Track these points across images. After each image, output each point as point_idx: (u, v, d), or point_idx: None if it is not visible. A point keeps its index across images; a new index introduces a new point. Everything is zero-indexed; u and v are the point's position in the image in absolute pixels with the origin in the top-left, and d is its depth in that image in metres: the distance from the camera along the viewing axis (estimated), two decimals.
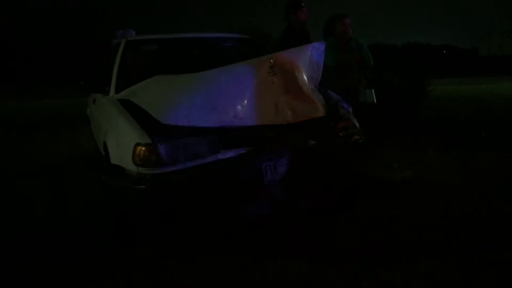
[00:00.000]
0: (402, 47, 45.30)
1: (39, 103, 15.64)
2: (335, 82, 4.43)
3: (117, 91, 3.57)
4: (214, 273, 2.65)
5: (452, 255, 2.78)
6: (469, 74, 25.27)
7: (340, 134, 3.31)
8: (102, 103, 3.78)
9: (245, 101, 2.95)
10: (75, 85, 4.18)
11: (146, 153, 2.67)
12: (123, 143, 2.86)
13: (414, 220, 3.35)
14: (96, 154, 4.30)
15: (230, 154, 2.81)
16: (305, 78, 3.42)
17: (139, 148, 2.69)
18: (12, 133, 8.44)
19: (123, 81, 3.64)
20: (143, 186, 2.66)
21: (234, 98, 2.94)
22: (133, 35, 4.40)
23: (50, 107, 14.03)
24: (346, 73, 4.52)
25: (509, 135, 6.19)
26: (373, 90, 4.50)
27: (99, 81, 4.03)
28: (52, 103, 15.24)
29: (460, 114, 8.44)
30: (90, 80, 4.05)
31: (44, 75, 33.04)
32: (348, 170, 2.89)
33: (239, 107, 2.92)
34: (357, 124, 3.42)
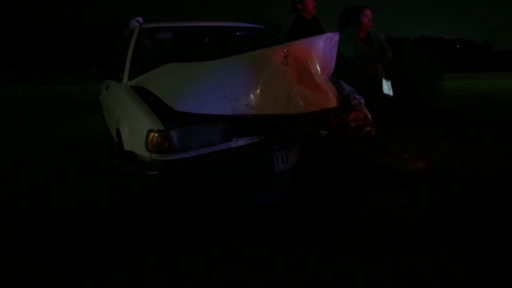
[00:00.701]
0: (415, 41, 44.76)
1: (50, 88, 15.74)
2: (358, 73, 4.44)
3: (131, 78, 3.59)
4: (222, 257, 2.70)
5: (461, 244, 2.80)
6: (483, 69, 24.95)
7: (352, 125, 3.30)
8: (115, 89, 3.81)
9: (258, 90, 2.94)
10: (87, 71, 4.23)
11: (159, 140, 2.69)
12: (136, 129, 2.88)
13: (423, 210, 3.38)
14: (108, 140, 4.35)
15: (242, 142, 2.82)
16: (318, 68, 3.41)
17: (152, 134, 2.71)
18: (27, 118, 8.53)
19: (136, 68, 3.65)
20: (156, 172, 2.68)
21: (246, 87, 2.93)
22: (140, 22, 4.40)
23: (62, 93, 14.11)
24: (368, 64, 4.52)
25: None
26: (390, 82, 4.52)
27: (112, 68, 4.05)
28: (63, 89, 15.32)
29: (473, 108, 8.37)
30: (104, 66, 4.07)
31: (55, 61, 33.17)
32: (359, 161, 2.89)
33: (251, 96, 2.91)
34: (369, 116, 3.41)
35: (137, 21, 4.67)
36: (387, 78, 4.52)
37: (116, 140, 3.38)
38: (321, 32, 4.55)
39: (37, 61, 33.72)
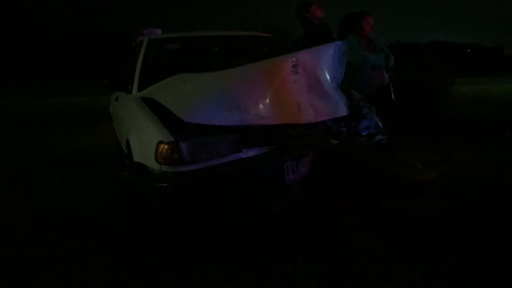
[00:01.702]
0: (425, 46, 44.56)
1: (60, 99, 15.89)
2: (368, 80, 4.42)
3: (140, 89, 3.59)
4: (232, 269, 2.67)
5: (475, 255, 2.74)
6: (494, 73, 24.75)
7: (363, 134, 3.27)
8: (125, 101, 3.82)
9: (267, 100, 2.93)
10: (96, 82, 4.25)
11: (169, 151, 2.68)
12: (145, 141, 2.87)
13: (436, 219, 3.32)
14: (118, 151, 4.35)
15: (252, 153, 2.79)
16: (328, 77, 3.40)
17: (161, 146, 2.70)
18: (35, 129, 8.61)
19: (146, 79, 3.65)
20: (165, 184, 2.66)
21: (256, 96, 2.92)
22: (158, 33, 4.43)
23: (71, 104, 14.24)
24: (376, 71, 4.50)
25: None
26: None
27: (122, 79, 4.07)
28: (73, 99, 15.46)
29: (485, 114, 8.28)
30: (113, 77, 4.09)
31: (64, 71, 33.50)
32: (370, 170, 2.85)
33: (261, 105, 2.90)
34: (380, 124, 3.38)
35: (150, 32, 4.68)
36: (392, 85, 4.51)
37: (126, 151, 3.37)
38: (331, 40, 4.53)
39: (48, 71, 34.08)
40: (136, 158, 2.98)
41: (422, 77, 6.84)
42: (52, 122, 9.59)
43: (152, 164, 2.76)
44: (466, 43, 49.37)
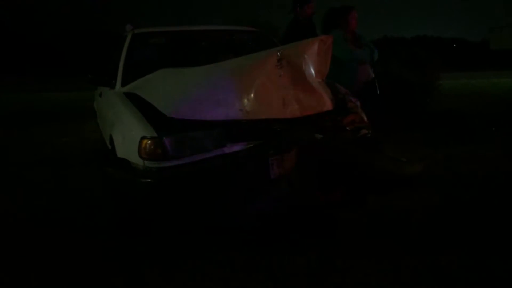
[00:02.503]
0: (412, 40, 44.81)
1: (46, 95, 15.68)
2: (354, 75, 4.43)
3: (123, 84, 3.55)
4: (219, 264, 2.65)
5: (461, 248, 2.75)
6: (480, 68, 24.95)
7: (348, 128, 3.27)
8: (109, 96, 3.78)
9: (252, 95, 2.91)
10: (81, 77, 4.19)
11: (152, 147, 2.66)
12: (129, 137, 2.85)
13: (423, 212, 3.33)
14: (102, 147, 4.31)
15: (236, 148, 2.78)
16: (313, 71, 3.38)
17: (144, 141, 2.67)
18: (22, 125, 8.48)
19: (129, 75, 3.62)
20: (149, 180, 2.64)
21: (240, 91, 2.90)
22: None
23: (58, 100, 14.06)
24: (362, 66, 4.52)
25: None
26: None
27: (106, 74, 4.02)
28: (59, 95, 15.26)
29: (470, 108, 8.35)
30: (97, 73, 4.04)
31: (52, 67, 32.99)
32: (356, 164, 2.85)
33: (245, 100, 2.88)
34: (365, 118, 3.38)
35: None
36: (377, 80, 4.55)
37: (110, 147, 3.34)
38: (315, 35, 4.53)
39: (34, 68, 33.54)
40: (120, 153, 2.95)
41: (408, 71, 6.86)
42: (38, 119, 9.45)
43: (135, 159, 2.74)
44: (452, 38, 49.77)
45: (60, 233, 3.20)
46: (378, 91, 4.58)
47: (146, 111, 2.90)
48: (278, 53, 3.05)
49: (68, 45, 36.81)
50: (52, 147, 6.33)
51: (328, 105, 3.32)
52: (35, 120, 9.27)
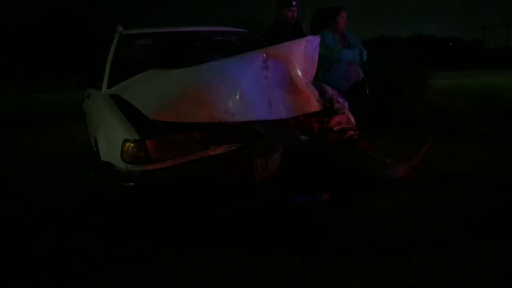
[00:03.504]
0: (407, 40, 44.82)
1: (38, 97, 15.58)
2: (344, 75, 4.42)
3: (110, 86, 3.52)
4: (202, 268, 2.63)
5: (446, 251, 2.75)
6: (474, 67, 25.00)
7: (335, 129, 3.25)
8: (95, 98, 3.75)
9: (237, 96, 2.89)
10: (69, 79, 4.15)
11: (135, 150, 2.63)
12: (112, 140, 2.82)
13: (409, 214, 3.33)
14: (90, 149, 4.27)
15: (220, 150, 2.76)
16: (300, 72, 3.36)
17: (127, 144, 2.64)
18: (10, 127, 8.42)
19: (116, 76, 3.58)
20: (131, 184, 2.61)
21: (225, 93, 2.88)
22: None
23: (48, 101, 13.97)
24: (351, 66, 4.51)
25: (509, 129, 6.13)
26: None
27: (92, 76, 3.98)
28: (50, 97, 15.14)
29: (462, 107, 8.36)
30: (84, 75, 4.00)
31: (44, 69, 32.71)
32: (340, 166, 2.84)
33: (230, 102, 2.86)
34: (352, 119, 3.36)
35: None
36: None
37: (95, 150, 3.31)
38: (302, 35, 4.52)
39: (26, 69, 33.27)
40: (103, 157, 2.92)
41: (399, 71, 6.85)
42: (28, 120, 9.39)
43: (118, 163, 2.71)
44: (447, 37, 49.75)
45: (43, 236, 3.17)
46: (367, 91, 4.57)
47: (131, 113, 2.87)
48: (264, 54, 3.03)
49: (60, 46, 36.52)
50: (40, 149, 6.29)
51: (315, 106, 3.30)
52: (25, 121, 9.22)
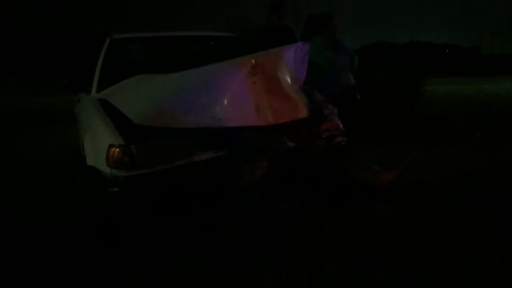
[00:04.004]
0: (404, 46, 44.95)
1: (32, 98, 15.54)
2: (335, 82, 4.42)
3: (99, 90, 3.52)
4: (188, 272, 2.61)
5: (435, 255, 2.75)
6: (471, 74, 25.10)
7: (323, 136, 3.25)
8: (84, 102, 3.74)
9: (224, 102, 2.89)
10: (58, 83, 4.13)
11: (120, 155, 2.62)
12: (98, 144, 2.81)
13: (399, 219, 3.32)
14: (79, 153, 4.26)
15: (207, 156, 2.75)
16: (289, 78, 3.37)
17: (112, 149, 2.64)
18: (6, 129, 8.41)
19: (105, 81, 3.58)
20: (116, 189, 2.61)
21: (212, 98, 2.88)
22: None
23: (43, 103, 13.93)
24: (342, 72, 4.51)
25: (502, 136, 6.14)
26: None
27: (82, 79, 3.98)
28: (46, 98, 15.09)
29: (456, 114, 8.37)
30: (74, 78, 3.99)
31: (41, 70, 32.49)
32: (328, 172, 2.83)
33: (217, 108, 2.86)
34: (341, 126, 3.36)
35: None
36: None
37: (83, 154, 3.30)
38: (293, 41, 4.52)
39: (23, 69, 32.97)
40: (90, 161, 2.91)
41: (393, 77, 6.87)
42: (21, 122, 9.37)
43: (104, 168, 2.70)
44: (444, 43, 49.92)
45: (34, 238, 3.15)
46: (358, 98, 4.56)
47: (118, 118, 2.86)
48: (253, 60, 3.04)
49: (57, 47, 36.29)
50: (33, 152, 6.27)
51: (303, 112, 3.30)
52: (20, 123, 9.20)
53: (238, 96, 2.96)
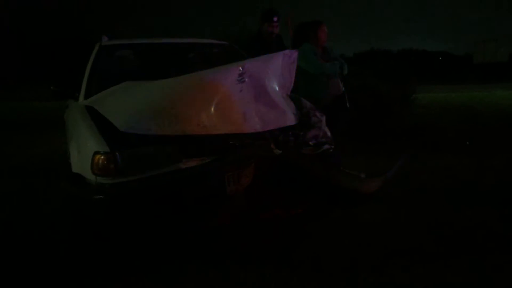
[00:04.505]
0: (397, 53, 45.32)
1: (24, 103, 15.45)
2: (324, 89, 4.43)
3: (87, 97, 3.50)
4: (172, 279, 2.60)
5: (418, 265, 2.74)
6: (463, 81, 25.27)
7: (310, 143, 3.25)
8: (72, 108, 3.72)
9: (210, 109, 2.88)
10: (46, 89, 4.10)
11: (105, 162, 2.60)
12: (83, 151, 2.79)
13: (386, 227, 3.31)
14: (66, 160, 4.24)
15: (192, 163, 2.74)
16: (276, 86, 3.37)
17: (97, 156, 2.62)
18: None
19: (93, 87, 3.56)
20: (101, 196, 2.59)
21: (198, 106, 2.87)
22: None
23: (36, 109, 13.85)
24: (332, 80, 4.52)
25: (492, 143, 6.17)
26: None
27: (70, 86, 3.95)
28: (39, 104, 15.00)
29: (446, 121, 8.41)
30: (61, 85, 3.96)
31: (37, 75, 32.28)
32: (313, 180, 2.83)
33: (203, 115, 2.85)
34: (329, 133, 3.37)
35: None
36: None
37: (69, 161, 3.28)
38: (283, 49, 4.54)
39: (15, 74, 32.71)
40: (75, 168, 2.89)
41: (384, 84, 6.90)
42: (12, 128, 9.31)
43: (89, 175, 2.68)
44: (436, 51, 50.41)
45: (22, 246, 3.13)
46: (347, 105, 4.58)
47: (104, 125, 2.84)
48: (240, 68, 3.04)
49: (50, 53, 36.07)
50: (22, 158, 6.22)
51: (291, 120, 3.30)
52: (9, 128, 9.15)
53: (225, 103, 2.95)
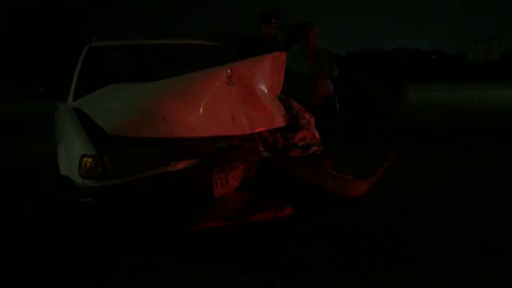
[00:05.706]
0: (391, 52, 45.49)
1: (12, 104, 15.34)
2: (312, 90, 4.46)
3: (75, 99, 3.49)
4: (158, 284, 2.59)
5: (405, 267, 2.75)
6: (455, 80, 25.40)
7: (299, 145, 3.27)
8: (61, 110, 3.71)
9: (199, 112, 2.89)
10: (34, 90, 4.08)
11: (92, 165, 2.60)
12: (70, 154, 2.79)
13: (372, 229, 3.32)
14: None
15: (180, 166, 2.74)
16: (265, 87, 3.38)
17: (85, 159, 2.62)
18: None
19: (82, 89, 3.56)
20: (88, 199, 2.59)
21: (187, 108, 2.87)
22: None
23: (27, 110, 13.75)
24: (322, 81, 4.55)
25: (482, 143, 6.21)
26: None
27: (59, 87, 3.94)
28: (28, 105, 14.90)
29: (437, 121, 8.46)
30: (50, 86, 3.94)
31: (27, 75, 31.98)
32: (300, 183, 2.84)
33: (191, 117, 2.85)
34: (317, 135, 3.38)
35: None
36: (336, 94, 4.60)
37: (57, 163, 3.27)
38: (278, 49, 4.55)
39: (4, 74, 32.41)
40: (62, 171, 2.89)
41: (375, 85, 6.95)
42: (1, 129, 9.25)
43: (76, 178, 2.68)
44: (430, 50, 50.66)
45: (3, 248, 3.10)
46: (337, 106, 4.61)
47: (91, 127, 2.84)
48: (228, 70, 3.04)
49: (40, 53, 35.75)
50: (11, 159, 6.19)
51: (279, 121, 3.32)
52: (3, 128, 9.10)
53: (213, 105, 2.96)
